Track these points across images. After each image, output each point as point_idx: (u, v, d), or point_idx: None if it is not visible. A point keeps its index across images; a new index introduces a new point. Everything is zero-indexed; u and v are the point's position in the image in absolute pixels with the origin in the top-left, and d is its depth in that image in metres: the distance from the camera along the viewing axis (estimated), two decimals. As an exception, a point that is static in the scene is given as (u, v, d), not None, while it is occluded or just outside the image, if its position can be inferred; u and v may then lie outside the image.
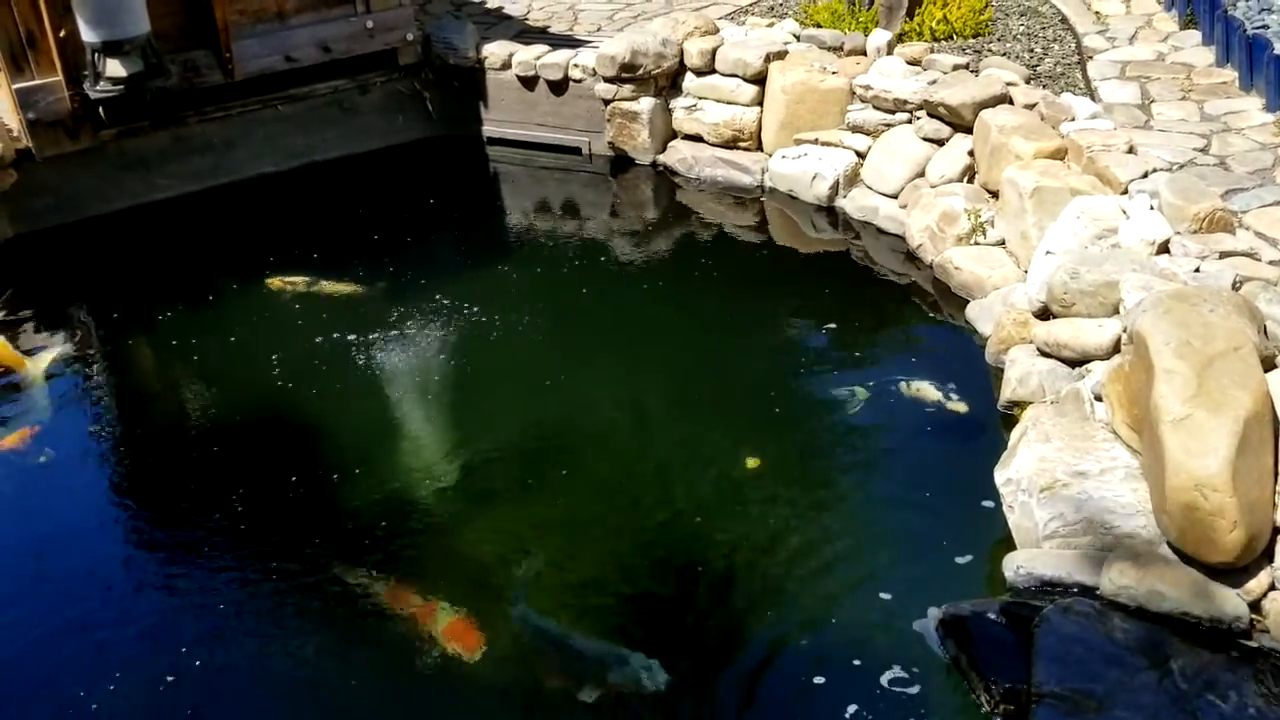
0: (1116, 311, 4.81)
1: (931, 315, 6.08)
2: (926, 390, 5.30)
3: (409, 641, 4.15)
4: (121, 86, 6.92)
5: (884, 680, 3.89)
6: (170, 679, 4.05)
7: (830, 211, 7.14)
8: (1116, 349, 4.70)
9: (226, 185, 8.02)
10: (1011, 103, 6.53)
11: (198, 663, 4.11)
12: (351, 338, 6.11)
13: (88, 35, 6.80)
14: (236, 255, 7.17)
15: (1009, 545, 4.36)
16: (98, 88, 6.94)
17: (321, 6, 8.02)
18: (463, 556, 4.62)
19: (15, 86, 7.10)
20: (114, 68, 6.85)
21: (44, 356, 6.06)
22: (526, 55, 8.29)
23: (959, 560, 4.39)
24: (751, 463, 5.04)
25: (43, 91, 7.15)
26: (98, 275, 7.02)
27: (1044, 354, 5.03)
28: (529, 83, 8.37)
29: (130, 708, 3.97)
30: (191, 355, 6.17)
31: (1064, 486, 4.15)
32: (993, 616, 3.94)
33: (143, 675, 4.07)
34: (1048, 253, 5.23)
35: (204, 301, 6.73)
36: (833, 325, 6.07)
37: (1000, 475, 4.46)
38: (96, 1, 6.68)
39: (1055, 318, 5.05)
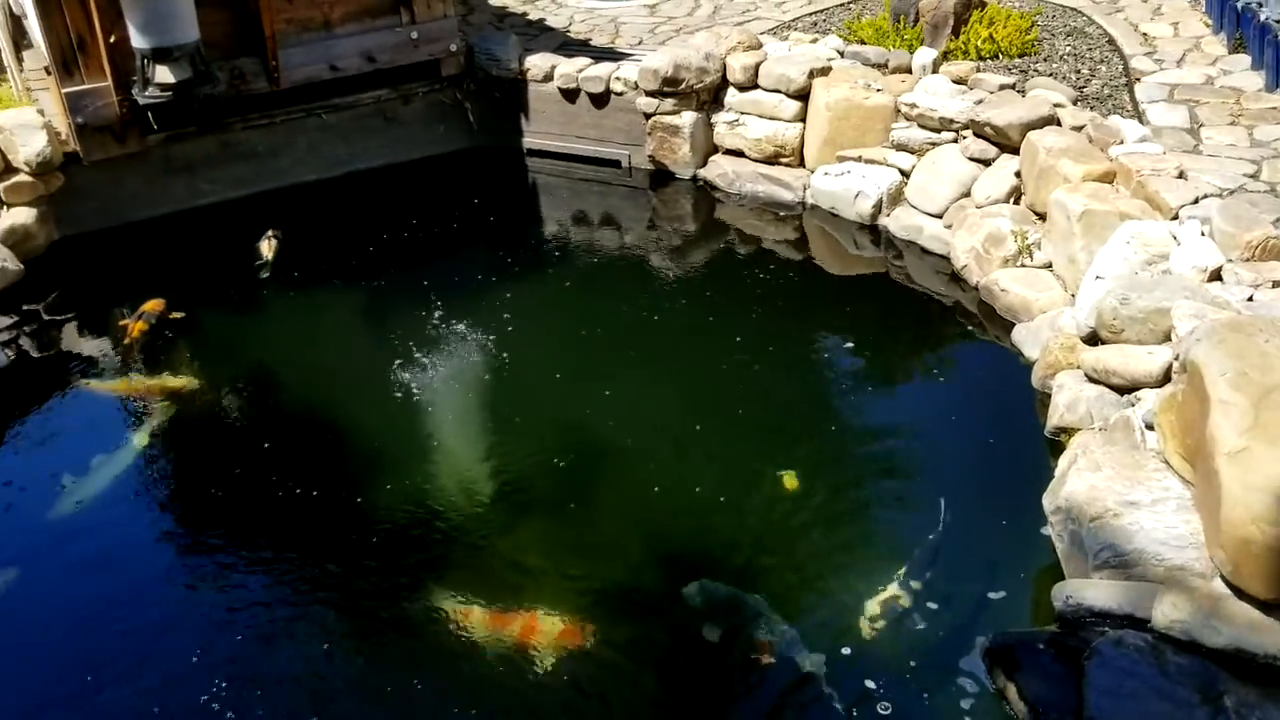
0: (1167, 339, 4.75)
1: (977, 337, 6.03)
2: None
3: (528, 655, 4.14)
4: (170, 93, 6.99)
5: (928, 710, 3.85)
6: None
7: (873, 230, 7.10)
8: (1167, 377, 4.64)
9: (269, 192, 8.08)
10: (1059, 124, 6.48)
11: (319, 706, 4.05)
12: (388, 346, 6.13)
13: (138, 41, 6.86)
14: (277, 261, 7.23)
15: (1056, 573, 4.31)
16: (146, 93, 7.01)
17: (367, 17, 8.07)
18: (522, 568, 4.63)
19: (64, 91, 7.18)
20: (163, 74, 6.92)
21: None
22: (569, 68, 8.31)
23: (1005, 588, 4.34)
24: (790, 481, 5.01)
25: (91, 96, 7.23)
26: (141, 279, 7.03)
27: (1092, 380, 4.97)
28: (570, 95, 8.38)
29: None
30: (232, 361, 6.22)
31: (1115, 516, 4.09)
32: (1041, 647, 3.89)
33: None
34: (1097, 277, 5.17)
35: (245, 306, 6.80)
36: (875, 345, 6.06)
37: (1049, 503, 4.41)
38: (148, 8, 6.75)
39: (1104, 343, 5.00)
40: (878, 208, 7.04)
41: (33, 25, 7.84)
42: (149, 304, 6.58)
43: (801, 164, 7.68)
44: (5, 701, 4.10)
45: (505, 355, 6.04)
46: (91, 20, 6.99)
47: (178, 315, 6.57)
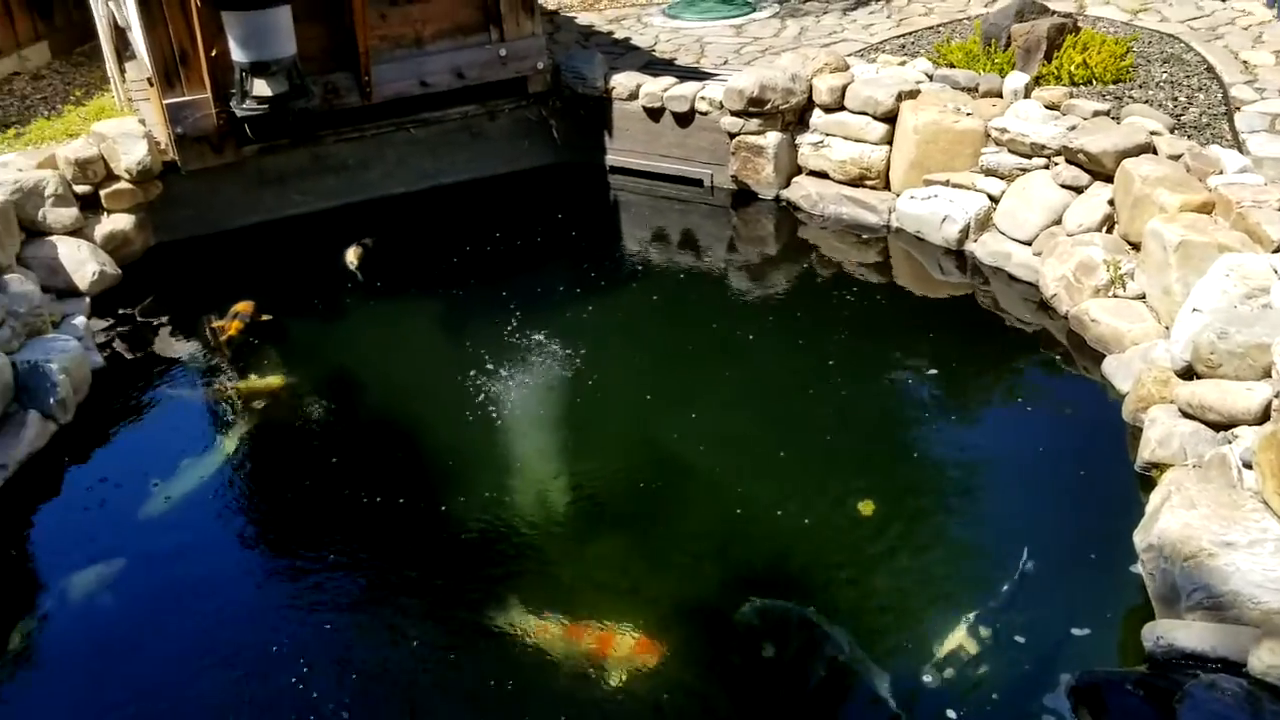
0: (1267, 375, 4.61)
1: (1065, 367, 5.90)
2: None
3: (601, 669, 4.16)
4: (267, 105, 7.15)
5: (1011, 748, 3.78)
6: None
7: (959, 255, 7.01)
8: (1267, 415, 4.51)
9: (357, 204, 8.24)
10: (1155, 153, 6.33)
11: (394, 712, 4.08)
12: (470, 357, 6.20)
13: (238, 55, 7.04)
14: (363, 268, 7.38)
15: (1144, 612, 4.20)
16: (244, 106, 7.18)
17: (458, 34, 8.19)
18: (597, 583, 4.65)
19: (166, 102, 7.39)
20: (261, 87, 7.09)
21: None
22: (654, 86, 8.35)
23: (1090, 625, 4.22)
24: (865, 508, 4.94)
25: (191, 107, 7.43)
26: (232, 285, 7.15)
27: (1186, 415, 4.84)
28: (655, 114, 8.41)
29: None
30: (317, 366, 6.32)
31: (1210, 556, 3.97)
32: (1130, 688, 3.78)
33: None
34: (1194, 310, 5.03)
35: (332, 313, 6.95)
36: (960, 372, 5.95)
37: (1140, 540, 4.30)
38: (248, 23, 6.93)
39: (1200, 378, 4.87)
40: (965, 233, 6.94)
41: (136, 38, 8.09)
42: (240, 305, 6.75)
43: (886, 187, 7.62)
44: (105, 692, 4.23)
45: (585, 371, 6.06)
46: (194, 34, 7.19)
47: (266, 318, 6.73)
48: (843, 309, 6.67)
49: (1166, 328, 5.49)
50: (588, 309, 6.80)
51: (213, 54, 7.23)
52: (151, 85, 7.72)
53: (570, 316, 6.64)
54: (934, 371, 5.92)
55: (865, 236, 7.49)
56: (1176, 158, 6.23)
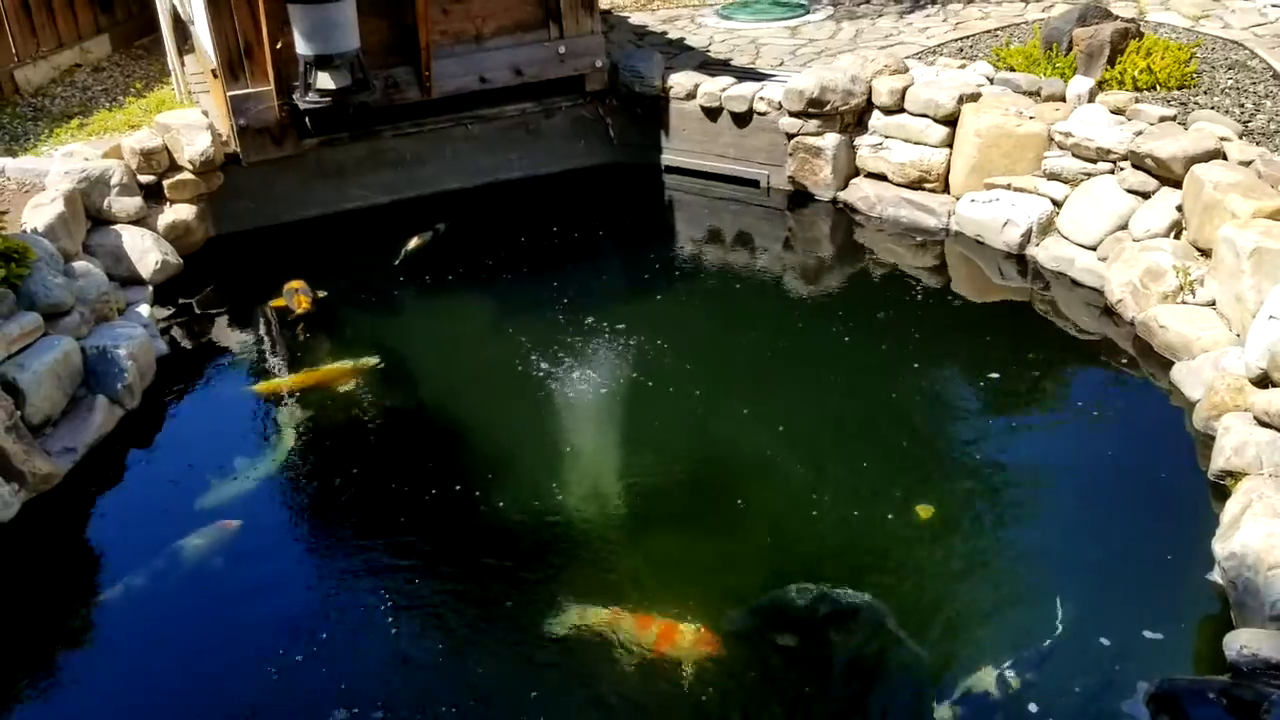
0: (1347, 384, 4.55)
1: (1131, 374, 5.84)
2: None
3: (665, 660, 4.17)
4: (329, 98, 7.20)
5: (1088, 756, 3.74)
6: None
7: (1020, 259, 6.95)
8: (1347, 424, 4.45)
9: (414, 199, 8.28)
10: (1225, 158, 6.25)
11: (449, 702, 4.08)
12: (525, 352, 6.22)
13: (302, 48, 7.10)
14: (417, 265, 7.41)
15: (1220, 620, 4.15)
16: (307, 98, 7.24)
17: (518, 31, 8.22)
18: (658, 577, 4.62)
19: (229, 93, 7.46)
20: (324, 80, 7.14)
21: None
22: (712, 86, 8.34)
23: (1165, 632, 4.17)
24: (924, 512, 4.90)
25: (254, 100, 7.50)
26: (291, 277, 7.09)
27: (1262, 424, 4.77)
28: (712, 114, 8.40)
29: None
30: (373, 357, 6.31)
31: (1294, 566, 3.92)
32: (1212, 697, 3.73)
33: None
34: (1270, 318, 4.97)
35: (387, 307, 6.99)
36: (1024, 377, 5.90)
37: (1220, 548, 4.24)
38: (313, 16, 6.98)
39: (1276, 386, 4.80)
40: (1026, 237, 6.88)
41: (200, 30, 8.17)
42: (293, 283, 6.87)
43: (946, 190, 7.57)
44: (166, 668, 4.27)
45: (641, 368, 6.07)
46: (259, 27, 7.26)
47: (322, 294, 6.88)
48: (903, 312, 6.62)
49: (1238, 335, 5.42)
50: (644, 307, 6.80)
51: (277, 47, 7.29)
52: (215, 77, 7.79)
53: (626, 315, 6.63)
54: (996, 375, 5.88)
55: (923, 240, 7.45)
56: (1247, 164, 6.15)
